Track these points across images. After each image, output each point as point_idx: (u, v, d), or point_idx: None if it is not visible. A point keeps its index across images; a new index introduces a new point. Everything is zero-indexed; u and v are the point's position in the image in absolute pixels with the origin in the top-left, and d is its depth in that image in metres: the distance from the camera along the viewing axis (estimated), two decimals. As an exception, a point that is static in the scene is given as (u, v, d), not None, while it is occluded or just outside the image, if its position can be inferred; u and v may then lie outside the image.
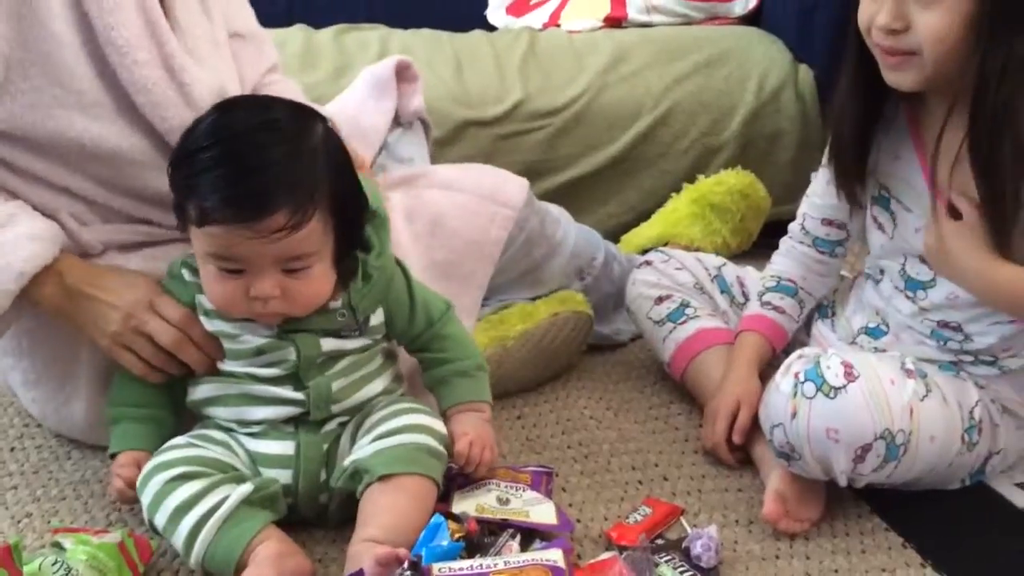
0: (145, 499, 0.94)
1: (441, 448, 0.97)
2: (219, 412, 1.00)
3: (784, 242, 1.23)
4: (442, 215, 1.14)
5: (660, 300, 1.26)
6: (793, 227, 1.22)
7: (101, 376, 1.08)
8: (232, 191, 0.90)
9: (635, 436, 1.20)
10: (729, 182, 1.59)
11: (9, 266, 0.97)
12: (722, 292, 1.28)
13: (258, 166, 0.90)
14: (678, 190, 1.70)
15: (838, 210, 1.15)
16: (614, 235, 1.67)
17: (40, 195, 1.03)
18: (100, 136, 1.01)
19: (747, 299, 1.26)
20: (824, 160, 1.13)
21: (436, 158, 1.51)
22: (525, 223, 1.25)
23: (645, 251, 1.59)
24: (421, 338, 1.06)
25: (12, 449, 1.17)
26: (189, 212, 0.92)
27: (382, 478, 0.92)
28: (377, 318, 1.02)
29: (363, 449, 0.96)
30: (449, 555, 0.86)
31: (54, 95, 0.99)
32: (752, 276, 1.29)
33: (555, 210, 1.36)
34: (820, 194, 1.17)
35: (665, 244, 1.55)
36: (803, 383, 0.95)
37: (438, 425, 0.99)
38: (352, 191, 0.98)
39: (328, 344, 0.99)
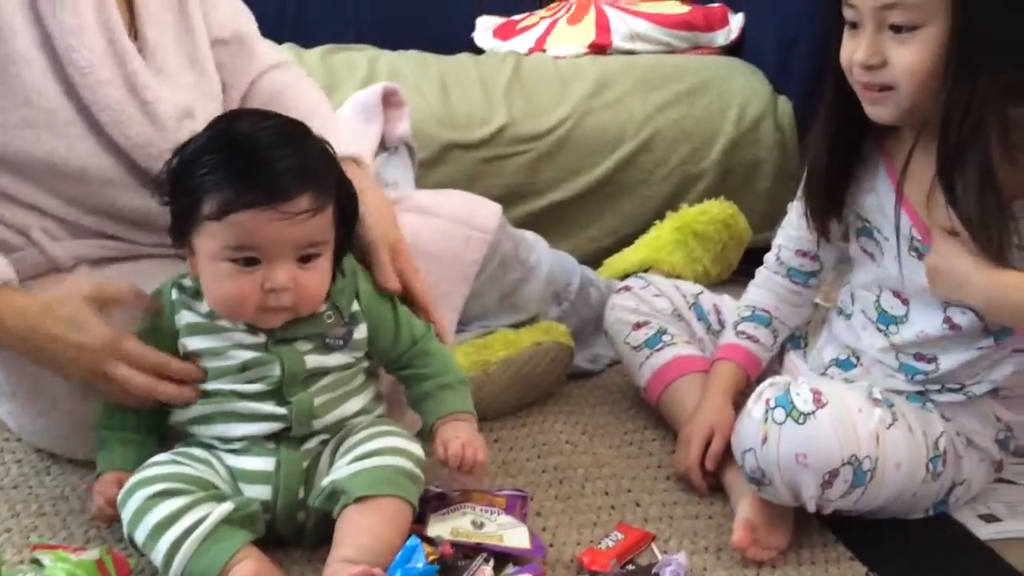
0: (126, 515, 0.95)
1: (418, 471, 0.99)
2: (201, 430, 1.02)
3: (760, 272, 1.26)
4: (418, 239, 1.17)
5: (638, 326, 1.29)
6: (768, 257, 1.25)
7: (76, 386, 1.09)
8: (255, 177, 0.94)
9: (609, 461, 1.22)
10: (713, 212, 1.62)
11: None
12: (699, 319, 1.31)
13: (276, 156, 0.95)
14: (658, 216, 1.73)
15: (811, 242, 1.18)
16: (595, 259, 1.70)
17: (10, 211, 1.05)
18: (69, 155, 1.02)
19: (723, 327, 1.28)
20: (798, 193, 1.17)
21: (420, 180, 1.53)
22: (498, 246, 1.27)
23: (627, 276, 1.61)
24: (405, 356, 1.08)
25: (-8, 463, 1.18)
26: (204, 210, 0.95)
27: (359, 499, 0.94)
28: (360, 332, 1.04)
29: (341, 470, 0.97)
30: (423, 579, 0.88)
31: (23, 115, 1.00)
32: (728, 305, 1.31)
33: (530, 236, 1.39)
34: (795, 225, 1.20)
35: (647, 270, 1.58)
36: (773, 409, 0.98)
37: (415, 448, 1.00)
38: (350, 190, 1.03)
39: (312, 361, 1.01)
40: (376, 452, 0.97)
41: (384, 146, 1.41)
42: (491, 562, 0.95)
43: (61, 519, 1.07)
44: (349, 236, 1.04)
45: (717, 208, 1.62)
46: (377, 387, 1.09)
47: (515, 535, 0.99)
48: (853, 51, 1.00)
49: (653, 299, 1.31)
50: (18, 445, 1.21)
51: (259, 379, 1.00)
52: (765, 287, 1.24)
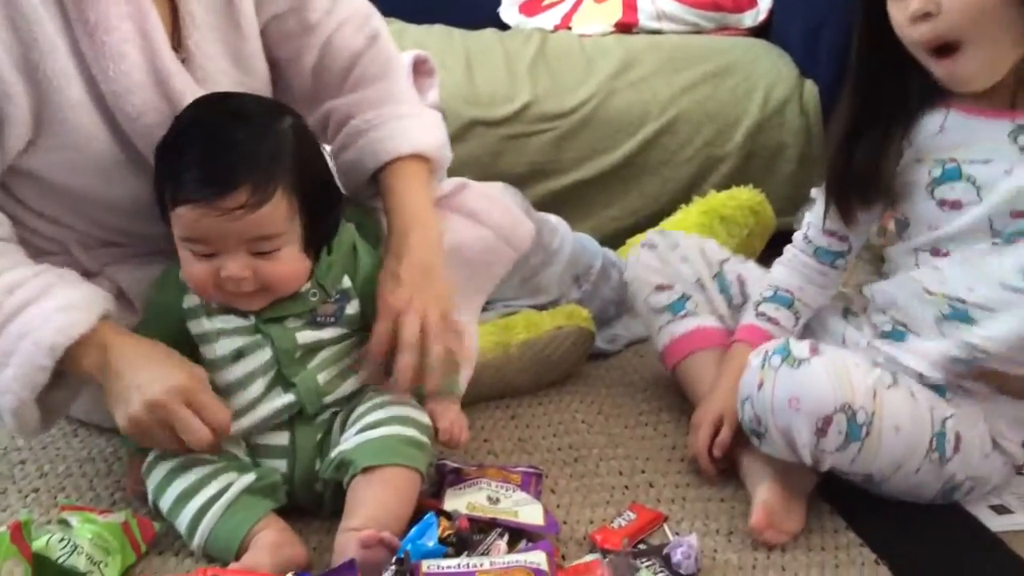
0: (150, 484, 0.98)
1: (424, 439, 1.00)
2: None
3: (787, 250, 1.24)
4: (462, 244, 1.16)
5: (661, 288, 1.27)
6: (796, 236, 1.23)
7: None
8: (196, 171, 0.94)
9: (624, 442, 1.23)
10: (741, 197, 1.62)
11: (40, 342, 0.93)
12: (720, 292, 1.28)
13: (220, 147, 0.95)
14: (681, 198, 1.73)
15: (841, 221, 1.16)
16: (616, 239, 1.70)
17: (50, 228, 1.07)
18: (109, 190, 1.03)
19: (746, 300, 1.26)
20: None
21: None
22: None
23: None
24: None
25: (20, 424, 1.20)
26: (166, 199, 0.96)
27: (366, 469, 0.96)
28: (352, 308, 1.04)
29: (349, 441, 0.99)
30: (433, 556, 0.90)
31: (68, 157, 1.01)
32: (753, 274, 1.28)
33: (553, 219, 1.39)
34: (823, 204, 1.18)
35: None
36: (771, 356, 1.00)
37: (422, 417, 1.01)
38: (320, 179, 1.01)
39: (304, 337, 1.02)
40: (382, 422, 0.99)
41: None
42: (505, 537, 0.96)
43: (88, 481, 1.10)
44: (324, 221, 1.01)
45: (745, 194, 1.62)
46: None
47: (530, 512, 1.01)
48: (904, 10, 0.99)
49: (678, 264, 1.28)
50: (46, 408, 1.24)
51: (255, 365, 1.01)
52: (790, 266, 1.22)
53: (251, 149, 0.95)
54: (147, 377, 0.94)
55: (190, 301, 1.03)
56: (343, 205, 1.05)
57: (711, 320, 1.26)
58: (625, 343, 1.47)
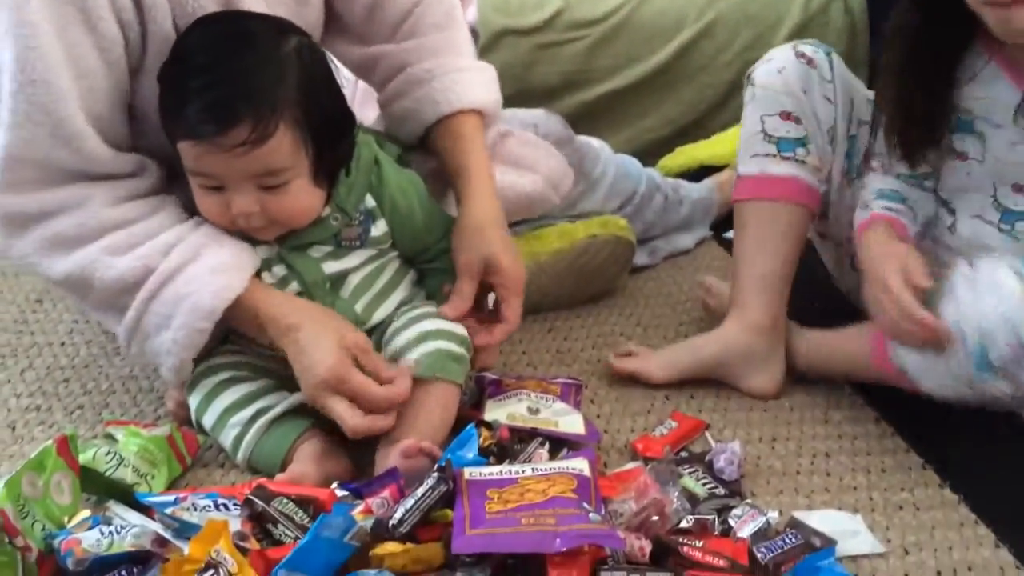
0: (193, 401, 0.98)
1: (463, 351, 0.98)
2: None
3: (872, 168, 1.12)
4: (507, 193, 1.12)
5: (786, 116, 1.10)
6: (874, 164, 1.12)
7: None
8: (196, 107, 0.90)
9: (664, 352, 1.22)
10: None
11: (198, 305, 0.93)
12: (846, 157, 1.13)
13: (220, 79, 0.90)
14: (719, 104, 1.68)
15: (905, 162, 1.06)
16: (651, 151, 1.66)
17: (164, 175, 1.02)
18: None
19: (859, 176, 1.13)
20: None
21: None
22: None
23: (693, 171, 1.57)
24: (434, 248, 1.05)
25: (63, 344, 1.22)
26: (169, 128, 0.93)
27: None
28: (378, 229, 1.01)
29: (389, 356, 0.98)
30: (474, 466, 0.90)
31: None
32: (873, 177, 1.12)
33: (596, 144, 1.36)
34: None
35: (724, 167, 1.54)
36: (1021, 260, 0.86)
37: (459, 329, 0.99)
38: (330, 106, 0.96)
39: (330, 267, 1.00)
40: (420, 338, 0.97)
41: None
42: (546, 446, 0.96)
43: (131, 397, 1.11)
44: (335, 150, 0.96)
45: None
46: (413, 275, 1.07)
47: (570, 421, 1.01)
48: None
49: (820, 102, 1.10)
50: (87, 327, 1.25)
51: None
52: (884, 181, 1.09)
53: (253, 81, 0.90)
54: (309, 358, 0.92)
55: None
56: (358, 128, 1.00)
57: (812, 178, 1.11)
58: (664, 255, 1.44)
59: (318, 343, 0.93)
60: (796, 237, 1.12)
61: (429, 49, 1.11)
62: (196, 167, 0.93)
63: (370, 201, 1.01)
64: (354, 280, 1.01)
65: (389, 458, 0.91)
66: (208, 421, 0.97)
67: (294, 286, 0.99)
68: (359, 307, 1.01)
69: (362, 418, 0.92)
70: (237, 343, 1.02)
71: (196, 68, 0.91)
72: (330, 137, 0.95)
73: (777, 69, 1.12)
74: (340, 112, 0.97)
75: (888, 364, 1.00)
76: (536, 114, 1.30)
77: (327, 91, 0.96)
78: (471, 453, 0.91)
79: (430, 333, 0.98)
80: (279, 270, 0.99)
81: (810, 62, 1.11)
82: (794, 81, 1.10)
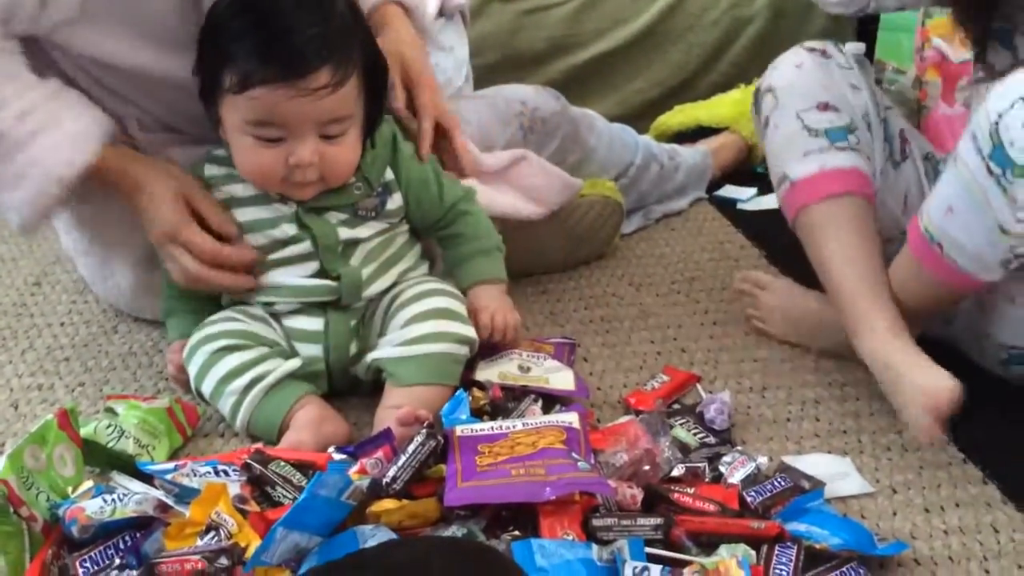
0: (192, 369, 1.00)
1: (464, 353, 0.99)
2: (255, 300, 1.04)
3: None
4: (509, 217, 1.16)
5: (825, 107, 1.02)
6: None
7: (141, 260, 1.14)
8: (275, 51, 0.92)
9: (656, 311, 1.23)
10: None
11: (49, 172, 0.98)
12: (885, 140, 1.06)
13: (296, 26, 0.93)
14: (707, 64, 1.67)
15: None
16: (642, 113, 1.66)
17: (111, 101, 1.06)
18: (175, 67, 1.01)
19: (905, 159, 1.07)
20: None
21: (459, 35, 1.50)
22: (557, 129, 1.27)
23: (690, 131, 1.57)
24: (450, 214, 1.07)
25: (62, 324, 1.23)
26: (226, 81, 0.94)
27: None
28: (394, 203, 1.04)
29: (387, 349, 0.98)
30: (466, 426, 0.91)
31: (132, 27, 1.00)
32: (912, 132, 1.10)
33: (591, 114, 1.36)
34: None
35: (721, 130, 1.54)
36: None
37: (466, 330, 0.99)
38: (379, 58, 1.00)
39: (345, 233, 1.01)
40: (425, 338, 0.97)
41: (442, 12, 1.38)
42: (539, 403, 0.97)
43: (131, 373, 1.13)
44: (379, 106, 1.01)
45: None
46: (419, 248, 1.09)
47: (560, 378, 1.02)
48: None
49: (848, 91, 1.04)
50: (86, 307, 1.27)
51: (298, 255, 1.01)
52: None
53: (326, 28, 0.93)
54: (145, 213, 1.01)
55: (217, 196, 1.03)
56: None
57: (868, 168, 1.02)
58: (658, 216, 1.45)
59: (161, 200, 1.01)
60: (875, 231, 1.01)
61: None
62: (266, 116, 0.94)
63: (388, 174, 1.04)
64: (364, 249, 1.03)
65: (386, 423, 0.92)
66: (207, 388, 0.99)
67: (304, 246, 1.01)
68: (365, 273, 1.02)
69: (195, 265, 1.00)
70: (234, 311, 1.03)
71: (263, 19, 0.93)
72: (378, 90, 1.00)
73: (795, 65, 1.05)
74: (384, 64, 1.01)
75: (928, 251, 0.92)
76: (525, 91, 1.29)
77: (374, 43, 1.01)
78: (464, 415, 0.92)
79: (435, 335, 0.97)
80: (289, 228, 1.01)
81: (823, 54, 1.06)
82: (817, 73, 1.04)
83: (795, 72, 1.05)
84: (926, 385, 0.91)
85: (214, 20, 0.96)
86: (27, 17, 0.97)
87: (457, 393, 0.94)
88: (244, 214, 1.02)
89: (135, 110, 1.08)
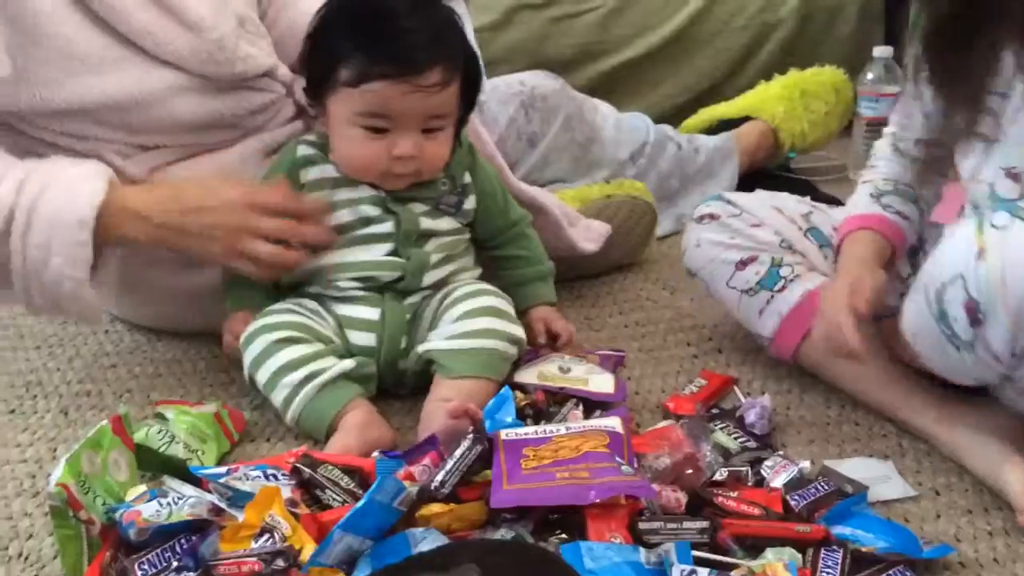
0: (248, 356, 1.02)
1: (514, 351, 1.03)
2: (316, 279, 1.06)
3: (884, 146, 1.06)
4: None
5: (744, 264, 1.05)
6: (882, 146, 1.06)
7: (173, 290, 1.16)
8: (392, 48, 0.97)
9: (691, 314, 1.24)
10: (825, 74, 1.60)
11: (69, 219, 0.96)
12: (821, 247, 1.06)
13: (412, 27, 0.98)
14: (735, 69, 1.68)
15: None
16: (670, 118, 1.67)
17: (80, 144, 1.06)
18: (119, 88, 1.03)
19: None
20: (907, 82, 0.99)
21: (487, 43, 1.52)
22: (559, 109, 1.30)
23: (723, 124, 1.58)
24: (510, 232, 1.13)
25: (106, 332, 1.26)
26: (342, 76, 0.98)
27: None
28: (470, 203, 1.09)
29: (439, 342, 1.01)
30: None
31: (63, 67, 1.01)
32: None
33: (595, 100, 1.39)
34: (909, 114, 1.01)
35: (746, 119, 1.56)
36: (993, 215, 0.76)
37: (515, 329, 1.03)
38: (476, 60, 1.05)
39: (426, 222, 1.05)
40: (477, 333, 1.00)
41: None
42: (580, 407, 0.98)
43: (177, 379, 1.15)
44: (471, 107, 1.06)
45: (830, 72, 1.59)
46: (475, 255, 1.13)
47: (599, 380, 1.03)
48: None
49: (752, 230, 1.06)
50: (129, 315, 1.29)
51: (377, 234, 1.04)
52: (899, 164, 1.03)
53: (439, 29, 1.00)
54: (208, 218, 1.01)
55: (314, 173, 1.06)
56: None
57: (818, 279, 1.02)
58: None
59: (213, 188, 1.02)
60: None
61: None
62: (379, 108, 0.98)
63: (467, 177, 1.08)
64: (436, 242, 1.07)
65: (436, 415, 0.94)
66: (261, 377, 1.01)
67: (386, 227, 1.04)
68: (432, 258, 1.06)
69: (270, 249, 1.01)
70: (291, 302, 1.05)
71: (379, 18, 0.99)
72: (472, 93, 1.05)
73: (694, 246, 1.09)
74: (478, 70, 1.06)
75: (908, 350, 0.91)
76: (523, 73, 1.34)
77: (472, 48, 1.06)
78: (509, 417, 0.93)
79: (487, 331, 1.01)
80: (371, 210, 1.04)
81: (712, 217, 1.08)
82: (714, 241, 1.07)
83: (698, 252, 1.08)
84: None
85: (327, 21, 1.01)
86: None
87: (503, 391, 0.96)
88: (334, 194, 1.05)
89: (107, 144, 1.07)
